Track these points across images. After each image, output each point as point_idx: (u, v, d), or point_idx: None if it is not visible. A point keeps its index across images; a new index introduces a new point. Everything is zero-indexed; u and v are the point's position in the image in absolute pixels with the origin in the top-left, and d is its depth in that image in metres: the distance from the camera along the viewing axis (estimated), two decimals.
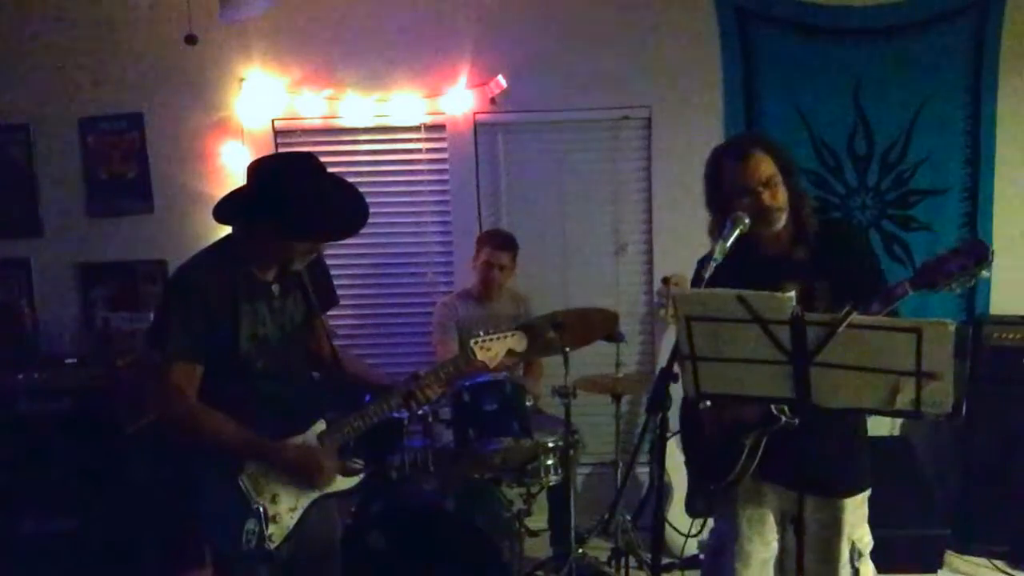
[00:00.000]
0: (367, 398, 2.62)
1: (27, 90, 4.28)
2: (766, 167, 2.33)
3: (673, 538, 3.82)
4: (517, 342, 2.75)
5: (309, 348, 2.64)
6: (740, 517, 2.48)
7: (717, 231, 2.37)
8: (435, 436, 3.40)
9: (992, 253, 1.99)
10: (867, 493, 2.48)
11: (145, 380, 3.93)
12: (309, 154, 2.47)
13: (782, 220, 2.35)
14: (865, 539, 2.49)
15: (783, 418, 2.19)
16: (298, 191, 2.31)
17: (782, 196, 2.35)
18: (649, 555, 3.63)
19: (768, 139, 2.45)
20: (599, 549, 3.87)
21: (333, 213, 2.39)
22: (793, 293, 1.91)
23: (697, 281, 2.38)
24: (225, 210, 2.44)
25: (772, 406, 2.20)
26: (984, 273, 2.01)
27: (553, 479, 3.48)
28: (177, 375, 2.29)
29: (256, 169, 2.41)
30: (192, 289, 2.32)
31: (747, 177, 2.33)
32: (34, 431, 3.72)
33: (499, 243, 3.95)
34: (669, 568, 3.68)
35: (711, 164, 2.47)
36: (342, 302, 4.30)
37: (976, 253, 1.99)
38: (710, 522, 2.80)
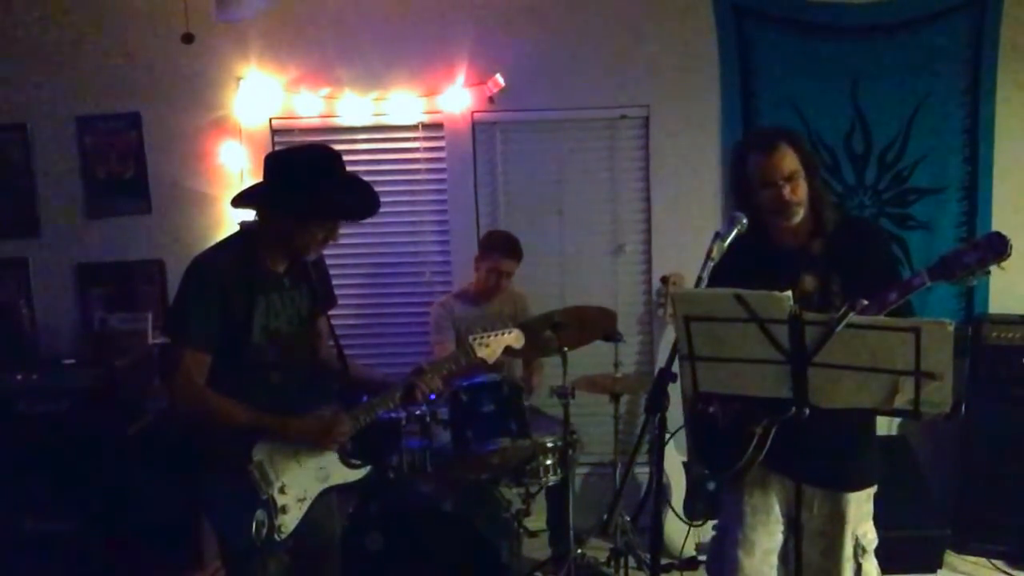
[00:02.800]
0: (364, 399, 2.63)
1: (24, 89, 4.28)
2: (790, 161, 2.36)
3: (672, 538, 3.82)
4: (515, 339, 2.84)
5: (312, 343, 2.66)
6: (745, 505, 2.48)
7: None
8: (433, 437, 3.39)
9: (1011, 247, 2.00)
10: (873, 490, 2.48)
11: (150, 374, 3.95)
12: (323, 144, 2.58)
13: (800, 215, 2.38)
14: (869, 536, 2.48)
15: (793, 409, 2.18)
16: (314, 171, 2.39)
17: (802, 191, 2.38)
18: (648, 555, 3.62)
19: (794, 134, 2.46)
20: (598, 549, 3.86)
21: (348, 192, 2.47)
22: (790, 292, 1.91)
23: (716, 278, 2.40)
24: (242, 198, 2.51)
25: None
26: (1002, 266, 2.03)
27: (552, 479, 3.47)
28: (188, 361, 2.33)
29: (272, 157, 2.51)
30: (212, 279, 2.35)
31: (770, 170, 2.36)
32: (33, 432, 3.72)
33: (509, 250, 3.91)
34: (668, 568, 3.67)
35: (736, 154, 2.51)
36: (339, 301, 4.31)
37: (995, 247, 2.01)
38: (709, 523, 2.79)
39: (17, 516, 3.74)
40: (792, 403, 2.16)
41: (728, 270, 2.18)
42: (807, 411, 2.13)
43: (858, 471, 2.45)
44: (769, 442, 2.31)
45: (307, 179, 2.37)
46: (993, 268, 2.05)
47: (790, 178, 2.36)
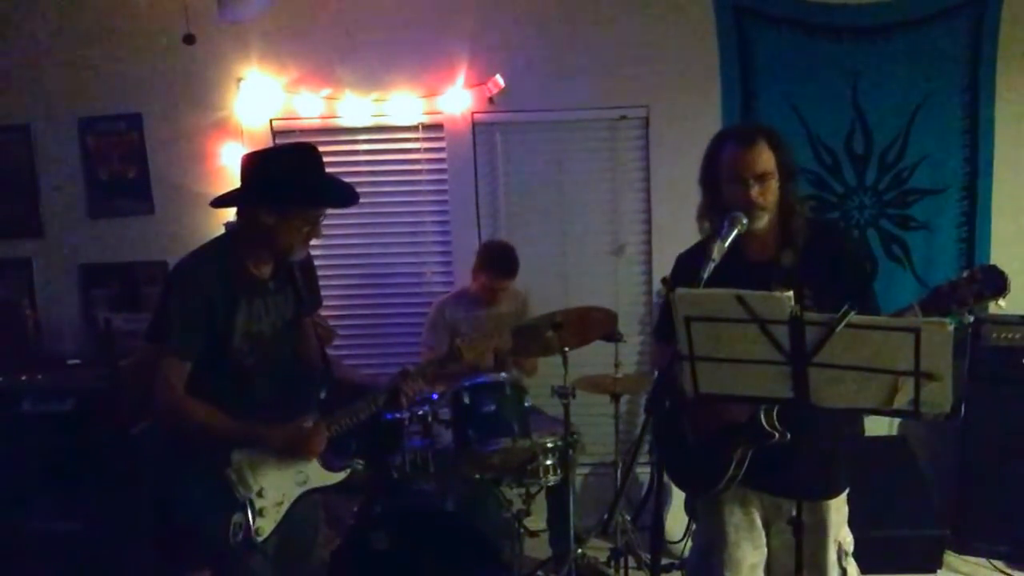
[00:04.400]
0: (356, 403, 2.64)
1: (27, 91, 4.29)
2: (765, 161, 2.28)
3: (672, 538, 3.83)
4: (503, 341, 2.82)
5: (295, 346, 2.65)
6: (727, 524, 2.46)
7: (712, 227, 2.36)
8: (435, 437, 3.40)
9: (1010, 284, 1.94)
10: (847, 492, 2.47)
11: (146, 378, 3.94)
12: (301, 141, 2.62)
13: (763, 220, 2.30)
14: (848, 538, 2.49)
15: (776, 434, 2.19)
16: (292, 165, 2.40)
17: (771, 196, 2.30)
18: (648, 555, 3.63)
19: (776, 135, 2.36)
20: (598, 549, 3.87)
21: (325, 182, 2.48)
22: (791, 293, 1.91)
23: (677, 276, 2.37)
24: (223, 198, 2.52)
25: (763, 422, 2.19)
26: (1000, 303, 1.97)
27: (552, 479, 3.47)
28: (168, 368, 2.33)
29: (249, 156, 2.51)
30: (193, 284, 2.34)
31: (743, 165, 2.28)
32: (37, 432, 3.73)
33: (503, 271, 3.87)
34: (668, 568, 3.68)
35: (714, 143, 2.41)
36: (340, 302, 4.33)
37: (994, 283, 1.95)
38: None
39: (20, 516, 3.74)
40: (774, 433, 2.18)
41: (708, 281, 2.13)
42: (789, 436, 2.14)
43: (835, 478, 2.44)
44: (747, 461, 2.31)
45: (285, 172, 2.38)
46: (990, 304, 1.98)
47: (761, 178, 2.27)
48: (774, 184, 2.30)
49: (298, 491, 2.51)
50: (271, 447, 2.43)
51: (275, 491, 2.45)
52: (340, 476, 2.60)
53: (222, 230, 4.13)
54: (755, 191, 2.27)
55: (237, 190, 2.52)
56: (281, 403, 2.49)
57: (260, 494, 2.42)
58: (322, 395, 2.59)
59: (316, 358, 2.65)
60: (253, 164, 2.46)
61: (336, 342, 3.98)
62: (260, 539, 2.40)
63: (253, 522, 2.39)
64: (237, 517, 2.36)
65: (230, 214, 4.02)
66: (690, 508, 3.66)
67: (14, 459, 3.69)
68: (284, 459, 2.47)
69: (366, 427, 2.63)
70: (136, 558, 3.68)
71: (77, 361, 4.02)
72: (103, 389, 3.78)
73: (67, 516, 3.74)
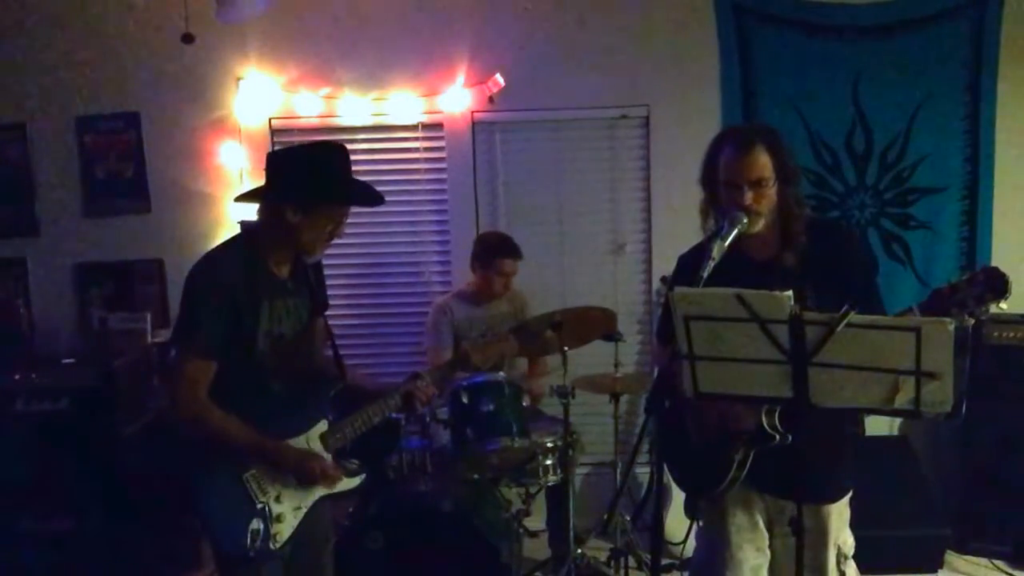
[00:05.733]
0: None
1: (23, 89, 4.27)
2: (761, 168, 2.26)
3: (672, 538, 3.81)
4: (509, 347, 2.86)
5: (310, 348, 2.64)
6: (730, 525, 2.44)
7: (713, 220, 2.37)
8: (433, 437, 3.39)
9: (1010, 286, 1.93)
10: (850, 495, 2.45)
11: (149, 374, 3.95)
12: (328, 140, 2.64)
13: (758, 225, 2.28)
14: (849, 541, 2.47)
15: (777, 436, 2.17)
16: (322, 161, 2.40)
17: (766, 202, 2.27)
18: (648, 555, 3.62)
19: (777, 140, 2.32)
20: (598, 550, 3.86)
21: (352, 181, 2.48)
22: (791, 292, 1.90)
23: (678, 277, 2.37)
24: (247, 195, 2.53)
25: (765, 424, 2.18)
26: (1002, 306, 1.96)
27: (552, 479, 3.47)
28: (193, 370, 2.30)
29: (275, 154, 2.55)
30: (214, 283, 2.32)
31: (738, 171, 2.26)
32: (32, 431, 3.71)
33: (511, 250, 3.84)
34: (668, 569, 3.68)
35: (714, 143, 2.40)
36: (338, 302, 4.31)
37: (995, 286, 1.94)
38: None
39: (15, 515, 3.73)
40: (774, 435, 2.17)
41: (709, 280, 2.12)
42: (790, 438, 2.12)
43: (838, 481, 2.43)
44: (749, 462, 2.30)
45: (315, 168, 2.37)
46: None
47: (757, 184, 2.24)
48: (770, 190, 2.28)
49: (315, 496, 2.48)
50: (284, 470, 2.40)
51: (293, 497, 2.43)
52: (356, 481, 2.57)
53: (219, 229, 4.17)
54: (749, 197, 2.25)
55: (262, 187, 2.50)
56: (296, 404, 2.47)
57: (278, 499, 2.40)
58: (331, 393, 2.58)
59: (329, 359, 2.63)
60: (280, 161, 2.46)
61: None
62: (277, 546, 2.38)
63: (271, 528, 2.36)
64: (255, 524, 2.34)
65: (236, 213, 4.04)
66: (690, 508, 3.65)
67: (7, 458, 3.68)
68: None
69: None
70: (133, 558, 3.68)
71: (71, 360, 4.00)
72: (98, 388, 3.77)
73: (60, 516, 3.72)
